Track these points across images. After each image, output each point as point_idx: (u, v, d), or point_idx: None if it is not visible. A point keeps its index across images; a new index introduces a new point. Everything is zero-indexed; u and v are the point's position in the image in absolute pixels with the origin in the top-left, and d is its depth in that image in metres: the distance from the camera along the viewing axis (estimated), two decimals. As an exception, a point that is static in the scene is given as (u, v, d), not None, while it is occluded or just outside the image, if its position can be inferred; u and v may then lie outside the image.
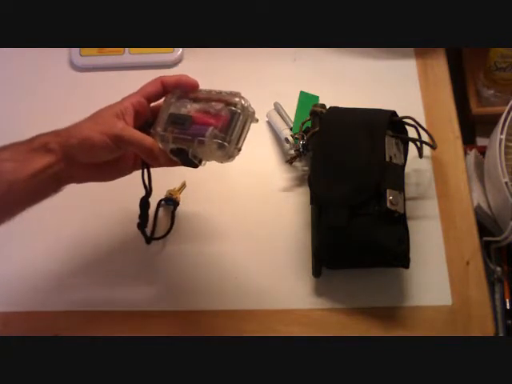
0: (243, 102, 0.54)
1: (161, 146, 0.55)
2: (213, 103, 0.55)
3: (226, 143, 0.53)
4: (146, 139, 0.54)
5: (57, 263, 0.67)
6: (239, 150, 0.55)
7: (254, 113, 0.55)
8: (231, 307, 0.63)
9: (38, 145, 0.51)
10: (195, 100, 0.56)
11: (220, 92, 0.56)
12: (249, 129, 0.55)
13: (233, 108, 0.54)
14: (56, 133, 0.52)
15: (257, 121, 0.55)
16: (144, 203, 0.63)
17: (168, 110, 0.56)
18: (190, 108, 0.56)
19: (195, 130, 0.54)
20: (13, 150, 0.50)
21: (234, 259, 0.65)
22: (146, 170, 0.60)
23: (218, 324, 0.62)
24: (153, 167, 0.59)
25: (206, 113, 0.55)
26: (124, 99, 0.55)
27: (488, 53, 0.81)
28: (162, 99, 0.58)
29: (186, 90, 0.57)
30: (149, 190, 0.62)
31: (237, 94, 0.55)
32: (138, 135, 0.53)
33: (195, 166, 0.55)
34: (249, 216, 0.68)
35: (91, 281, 0.65)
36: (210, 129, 0.53)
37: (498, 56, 0.79)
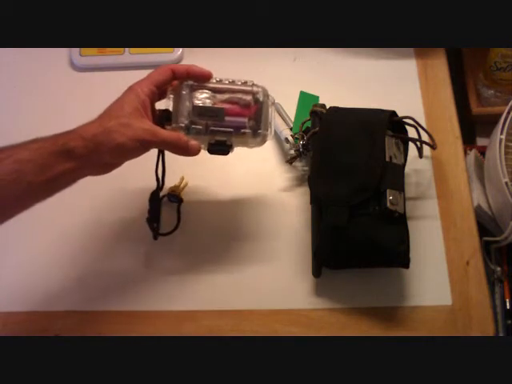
0: (264, 91, 0.59)
1: (191, 138, 0.57)
2: (239, 94, 0.58)
3: (265, 131, 0.58)
4: (175, 137, 0.55)
5: (57, 263, 0.67)
6: (272, 134, 0.60)
7: (273, 98, 0.60)
8: (231, 307, 0.63)
9: (62, 148, 0.49)
10: (215, 91, 0.58)
11: (233, 81, 0.59)
12: (273, 113, 0.60)
13: (259, 98, 0.58)
14: (82, 136, 0.50)
15: (273, 103, 0.61)
16: (155, 197, 0.65)
17: (186, 102, 0.57)
18: (214, 100, 0.58)
19: (232, 122, 0.58)
20: (35, 150, 0.49)
21: (233, 259, 0.65)
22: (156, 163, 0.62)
23: (218, 324, 0.62)
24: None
25: (234, 103, 0.58)
26: (137, 88, 0.54)
27: (488, 53, 0.81)
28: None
29: (198, 80, 0.58)
30: (161, 184, 0.64)
31: (253, 83, 0.59)
32: (167, 135, 0.54)
33: (227, 153, 0.59)
34: (249, 216, 0.68)
35: (91, 281, 0.65)
36: (247, 120, 0.58)
37: (498, 56, 0.79)
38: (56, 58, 0.81)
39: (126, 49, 0.79)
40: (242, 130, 0.58)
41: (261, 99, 0.58)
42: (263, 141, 0.59)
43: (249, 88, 0.59)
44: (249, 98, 0.58)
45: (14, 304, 0.65)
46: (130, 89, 0.55)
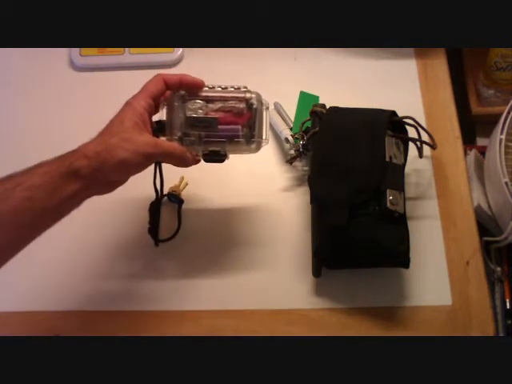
0: (258, 97, 0.58)
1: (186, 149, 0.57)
2: (231, 102, 0.58)
3: (259, 138, 0.58)
4: (177, 148, 0.55)
5: (57, 264, 0.67)
6: (267, 141, 0.59)
7: (267, 103, 0.59)
8: (231, 307, 0.63)
9: (68, 169, 0.50)
10: (208, 100, 0.58)
11: (226, 87, 0.58)
12: (267, 119, 0.59)
13: (253, 106, 0.58)
14: (85, 155, 0.50)
15: (267, 108, 0.59)
16: (154, 208, 0.66)
17: (179, 113, 0.57)
18: (206, 109, 0.57)
19: (225, 131, 0.57)
20: (44, 175, 0.49)
21: (233, 259, 0.65)
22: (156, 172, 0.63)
23: (218, 324, 0.62)
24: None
25: (227, 112, 0.57)
26: (134, 103, 0.54)
27: (488, 53, 0.81)
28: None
29: (190, 89, 0.57)
30: (160, 195, 0.65)
31: (246, 89, 0.58)
32: (168, 147, 0.55)
33: (222, 161, 0.59)
34: (248, 216, 0.68)
35: (91, 281, 0.65)
36: (240, 127, 0.57)
37: (498, 56, 0.80)
38: (56, 57, 0.81)
39: (126, 49, 0.79)
40: (236, 139, 0.57)
41: (254, 106, 0.58)
42: (258, 148, 0.59)
43: (241, 95, 0.58)
44: (242, 105, 0.57)
45: (15, 304, 0.65)
46: (128, 104, 0.54)
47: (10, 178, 0.49)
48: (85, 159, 0.50)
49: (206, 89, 0.58)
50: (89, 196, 0.53)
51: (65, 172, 0.49)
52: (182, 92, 0.57)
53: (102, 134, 0.53)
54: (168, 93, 0.58)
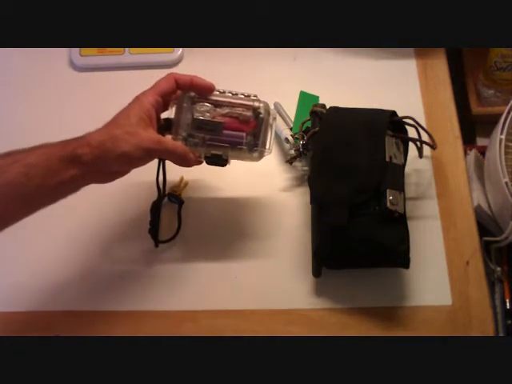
0: (266, 107, 0.59)
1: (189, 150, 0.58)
2: (238, 109, 0.58)
3: (262, 148, 0.59)
4: (179, 148, 0.56)
5: (57, 263, 0.67)
6: (270, 151, 0.60)
7: (275, 114, 0.60)
8: (231, 307, 0.63)
9: (69, 155, 0.50)
10: (216, 105, 0.58)
11: (236, 94, 0.59)
12: (273, 129, 0.60)
13: (260, 115, 0.58)
14: (89, 143, 0.51)
15: (275, 119, 0.60)
16: (156, 207, 0.66)
17: (187, 114, 0.58)
18: (214, 113, 0.58)
19: (229, 136, 0.58)
20: (43, 155, 0.50)
21: (233, 259, 0.65)
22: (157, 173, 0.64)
23: (218, 324, 0.62)
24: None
25: (233, 118, 0.58)
26: (143, 98, 0.55)
27: (488, 53, 0.81)
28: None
29: (200, 92, 0.58)
30: (162, 194, 0.66)
31: (256, 98, 0.59)
32: (172, 145, 0.56)
33: (223, 165, 0.59)
34: (248, 216, 0.68)
35: (91, 281, 0.65)
36: (245, 135, 0.58)
37: (498, 56, 0.79)
38: (56, 57, 0.81)
39: (126, 49, 0.79)
40: (239, 146, 0.58)
41: (261, 115, 0.58)
42: (260, 157, 0.59)
43: (250, 103, 0.58)
44: (249, 113, 0.58)
45: (14, 304, 0.65)
46: (136, 99, 0.55)
47: (9, 154, 0.50)
48: (87, 147, 0.51)
49: (217, 93, 0.59)
50: (87, 183, 0.53)
51: (65, 156, 0.50)
52: (193, 93, 0.58)
53: (107, 125, 0.54)
54: (179, 92, 0.58)
